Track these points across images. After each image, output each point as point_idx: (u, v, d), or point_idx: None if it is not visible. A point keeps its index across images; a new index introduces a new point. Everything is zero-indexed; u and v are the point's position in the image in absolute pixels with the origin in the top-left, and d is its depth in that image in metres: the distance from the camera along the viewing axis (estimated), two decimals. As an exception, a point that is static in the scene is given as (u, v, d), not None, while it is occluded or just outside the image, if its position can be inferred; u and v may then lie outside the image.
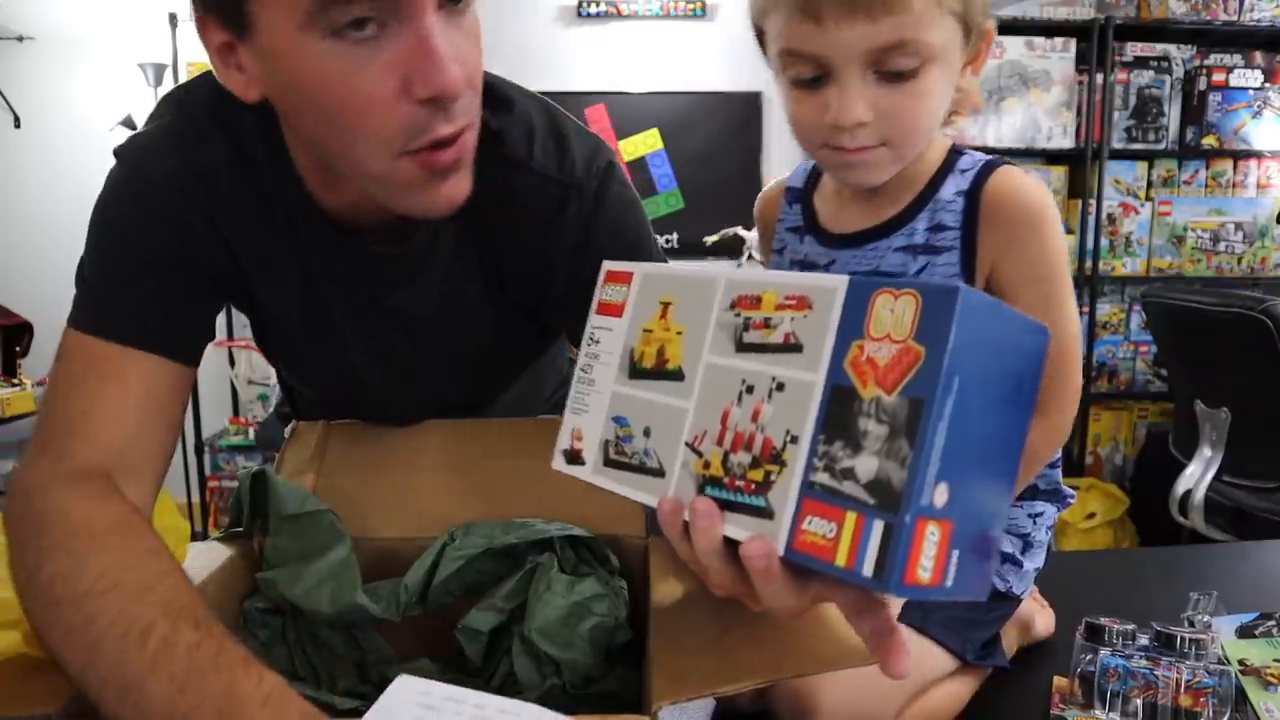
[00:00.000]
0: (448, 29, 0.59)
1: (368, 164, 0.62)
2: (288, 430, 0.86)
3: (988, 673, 0.88)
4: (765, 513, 0.43)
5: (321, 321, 0.79)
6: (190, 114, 0.71)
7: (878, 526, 0.39)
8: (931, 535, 0.39)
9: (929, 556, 0.39)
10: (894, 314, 0.40)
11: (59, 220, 3.29)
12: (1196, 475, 2.19)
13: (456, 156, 0.63)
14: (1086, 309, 3.15)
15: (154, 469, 0.69)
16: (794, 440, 0.42)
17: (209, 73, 0.72)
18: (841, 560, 0.39)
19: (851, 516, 0.39)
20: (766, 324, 0.45)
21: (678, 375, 0.49)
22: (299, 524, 0.68)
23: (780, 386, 0.44)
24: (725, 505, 0.45)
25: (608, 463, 0.52)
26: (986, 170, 0.76)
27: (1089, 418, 3.19)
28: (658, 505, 0.48)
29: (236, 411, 3.37)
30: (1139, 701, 0.78)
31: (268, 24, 0.57)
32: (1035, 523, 0.92)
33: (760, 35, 0.76)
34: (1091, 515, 2.90)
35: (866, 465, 0.39)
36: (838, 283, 0.43)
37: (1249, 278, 3.19)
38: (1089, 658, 0.84)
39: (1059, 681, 0.86)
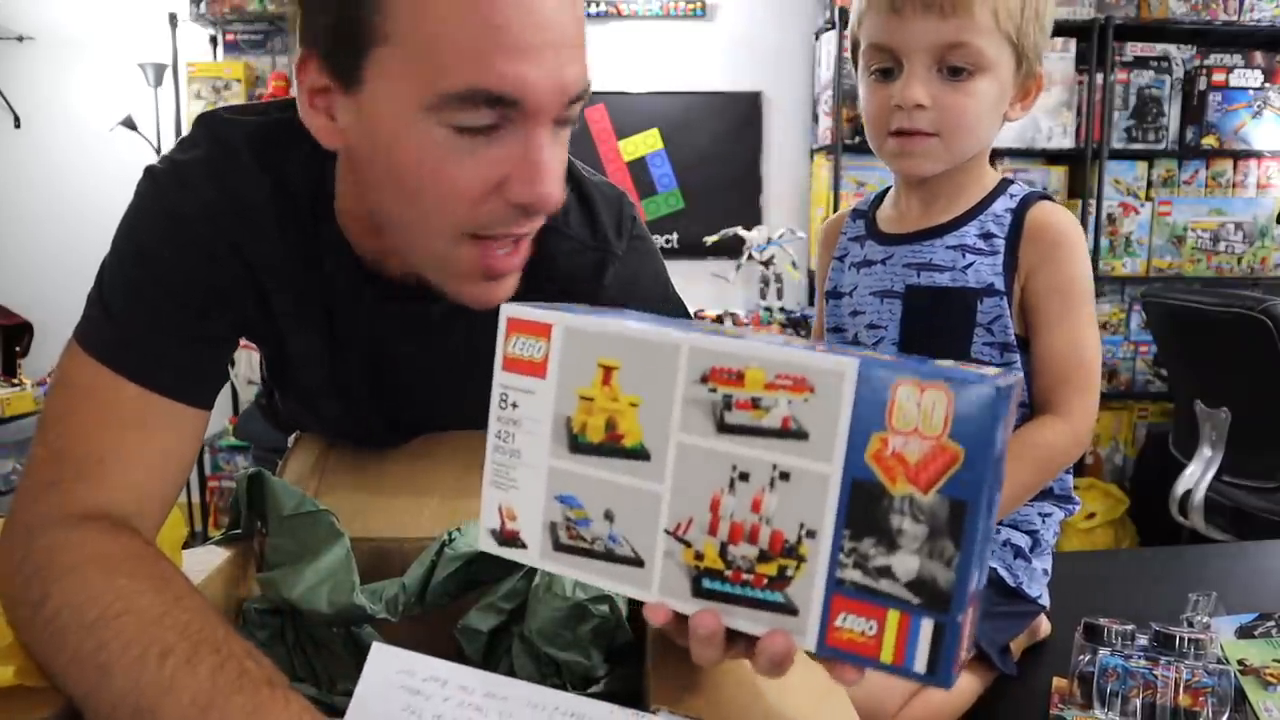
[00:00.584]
0: (554, 143, 0.60)
1: (429, 242, 0.63)
2: (290, 439, 0.86)
3: (994, 675, 0.88)
4: (786, 609, 0.42)
5: (338, 364, 0.78)
6: (229, 147, 0.70)
7: (926, 625, 0.38)
8: (969, 618, 0.40)
9: (967, 637, 0.40)
10: (921, 408, 0.39)
11: (59, 220, 3.29)
12: (1196, 475, 2.19)
13: (514, 264, 0.65)
14: (1086, 309, 3.15)
15: (163, 512, 0.68)
16: (811, 535, 0.41)
17: (248, 105, 0.73)
18: (888, 658, 0.39)
19: (894, 615, 0.39)
20: (755, 404, 0.42)
21: (640, 454, 0.45)
22: (297, 524, 0.68)
23: (785, 476, 0.42)
24: (731, 599, 0.43)
25: (560, 547, 0.48)
26: (1033, 197, 0.90)
27: (1089, 418, 3.18)
28: (647, 611, 0.46)
29: (236, 411, 3.37)
30: (1138, 701, 0.78)
31: (382, 90, 0.57)
32: (1044, 522, 0.94)
33: (855, 48, 0.92)
34: (1091, 515, 2.90)
35: (906, 564, 0.39)
36: (844, 366, 0.40)
37: (1249, 278, 3.19)
38: (1088, 658, 0.84)
39: (1058, 682, 0.86)
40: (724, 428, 0.43)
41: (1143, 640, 0.86)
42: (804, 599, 0.41)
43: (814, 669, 0.46)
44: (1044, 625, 0.97)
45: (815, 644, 0.41)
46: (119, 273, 0.69)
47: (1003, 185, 0.92)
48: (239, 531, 0.74)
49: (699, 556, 0.44)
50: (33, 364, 2.78)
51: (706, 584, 0.44)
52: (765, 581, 0.42)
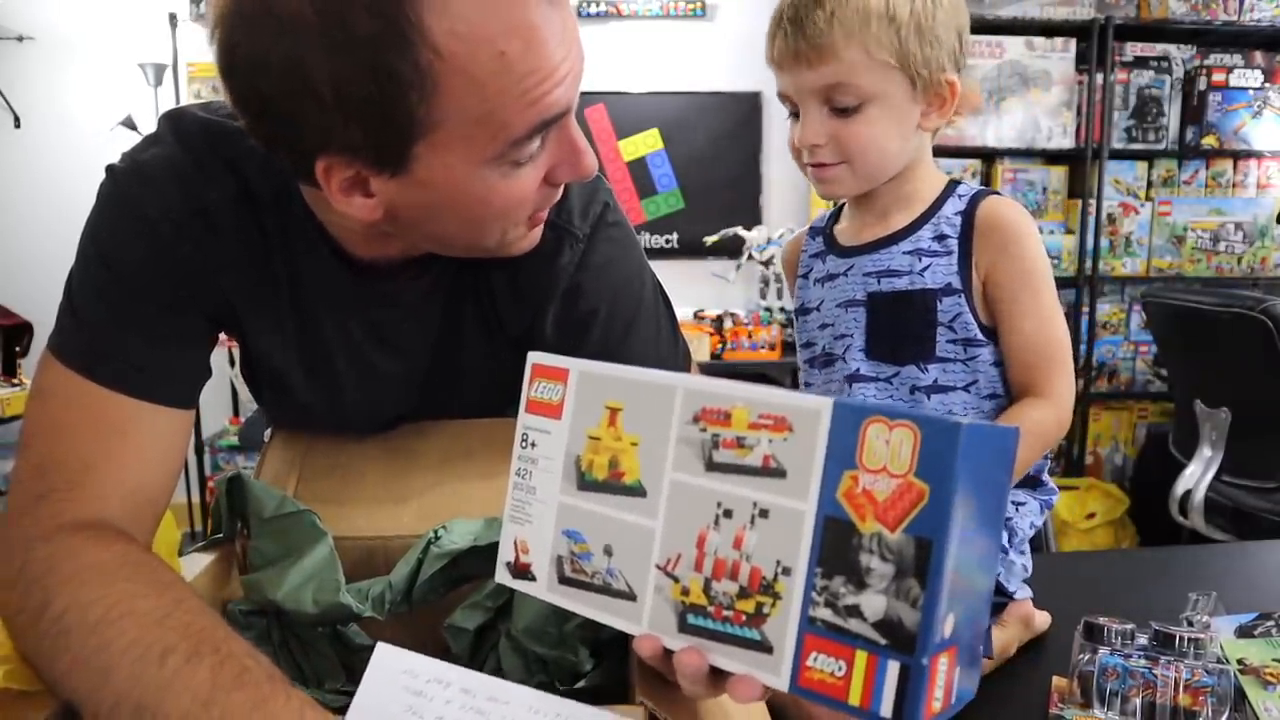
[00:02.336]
0: (574, 122, 0.65)
1: (489, 240, 0.67)
2: (266, 434, 0.86)
3: (985, 660, 0.88)
4: (761, 646, 0.42)
5: (314, 353, 0.78)
6: (190, 144, 0.69)
7: (893, 668, 0.38)
8: (942, 666, 0.39)
9: (940, 687, 0.39)
10: (890, 445, 0.39)
11: (59, 220, 3.28)
12: (1196, 475, 2.19)
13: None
14: (1086, 309, 3.15)
15: (156, 514, 0.68)
16: (786, 572, 0.42)
17: (212, 103, 0.73)
18: (855, 700, 0.39)
19: (862, 656, 0.39)
20: (740, 443, 0.44)
21: (637, 491, 0.47)
22: (279, 525, 0.67)
23: (764, 513, 0.43)
24: (713, 635, 0.44)
25: (564, 580, 0.50)
26: (980, 196, 0.94)
27: (1089, 418, 3.18)
28: (637, 644, 0.47)
29: (236, 411, 3.37)
30: (1138, 701, 0.78)
31: (439, 163, 0.59)
32: (1019, 512, 0.94)
33: None
34: (1091, 515, 2.90)
35: (873, 604, 0.39)
36: (820, 405, 0.42)
37: (1249, 278, 3.19)
38: (1088, 657, 0.83)
39: (1058, 681, 0.86)
40: (712, 466, 0.45)
41: (1143, 640, 0.86)
42: (778, 637, 0.42)
43: None
44: (1039, 617, 0.97)
45: (788, 683, 0.41)
46: (86, 278, 0.68)
47: (950, 187, 0.96)
48: (220, 536, 0.74)
49: (685, 592, 0.45)
50: (33, 364, 2.78)
51: (691, 620, 0.45)
52: (744, 618, 0.43)
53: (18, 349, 2.82)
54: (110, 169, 0.70)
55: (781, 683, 0.41)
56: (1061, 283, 2.98)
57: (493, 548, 0.65)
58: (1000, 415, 0.91)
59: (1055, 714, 0.80)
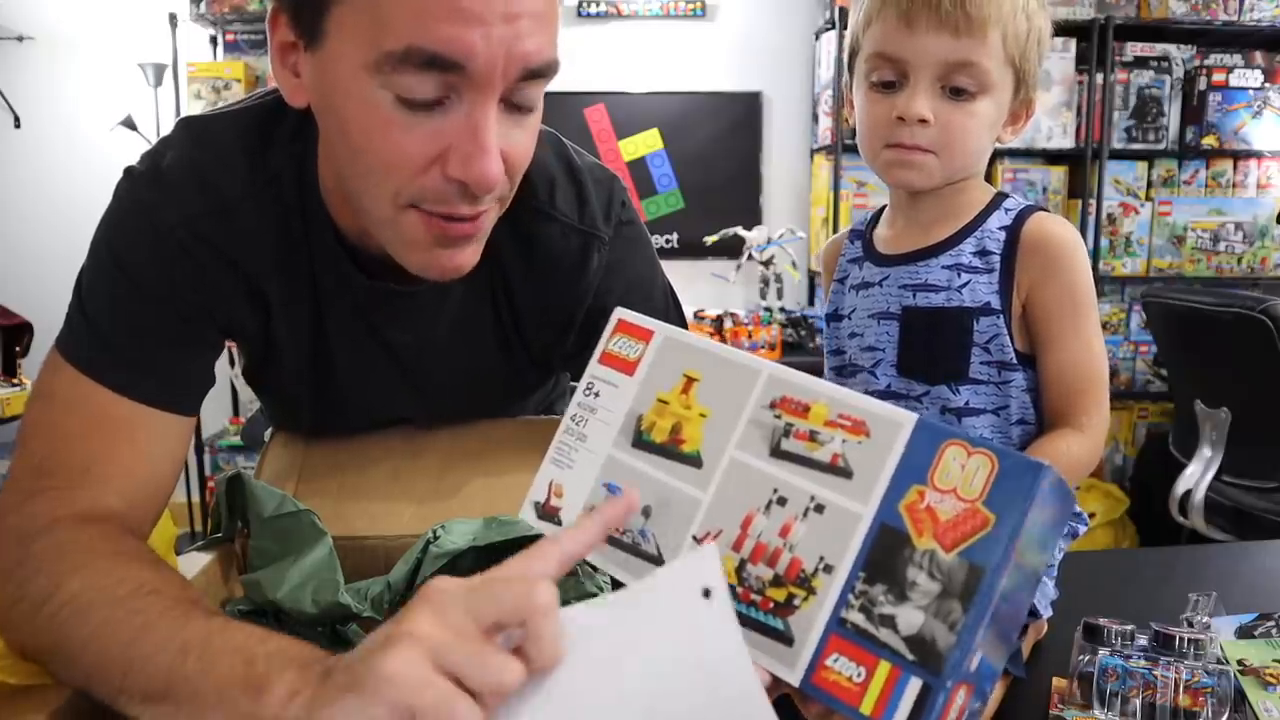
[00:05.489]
0: (504, 122, 0.58)
1: (375, 209, 0.61)
2: (266, 434, 0.86)
3: (1010, 680, 0.88)
4: (783, 637, 0.42)
5: (322, 349, 0.78)
6: (208, 142, 0.69)
7: (914, 684, 0.38)
8: (959, 698, 0.39)
9: (954, 715, 0.39)
10: (964, 470, 0.40)
11: (59, 221, 3.29)
12: (1196, 475, 2.19)
13: (470, 232, 0.62)
14: (1087, 309, 3.15)
15: (153, 517, 0.68)
16: (827, 569, 0.41)
17: (216, 108, 0.73)
18: (867, 709, 0.39)
19: (885, 666, 0.39)
20: (813, 437, 0.44)
21: (694, 460, 0.47)
22: (279, 525, 0.67)
23: (820, 508, 0.43)
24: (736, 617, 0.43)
25: None
26: (1028, 211, 0.88)
27: (1089, 418, 3.18)
28: None
29: (236, 411, 3.37)
30: (1138, 701, 0.78)
31: (338, 48, 0.56)
32: None
33: (853, 55, 0.91)
34: (1091, 515, 2.90)
35: (910, 618, 0.39)
36: (904, 419, 0.42)
37: (1249, 278, 3.19)
38: (1088, 658, 0.83)
39: (1058, 682, 0.86)
40: (777, 452, 0.45)
41: (1143, 640, 0.86)
42: (803, 631, 0.42)
43: None
44: (1042, 625, 0.97)
45: (800, 679, 0.41)
46: (98, 280, 0.68)
47: (997, 200, 0.91)
48: (220, 535, 0.74)
49: None
50: (33, 364, 2.77)
51: None
52: (771, 606, 0.43)
53: (18, 349, 2.81)
54: (128, 171, 0.69)
55: (794, 676, 0.41)
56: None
57: (492, 548, 0.66)
58: (1032, 443, 0.87)
59: (1055, 715, 0.80)
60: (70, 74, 3.31)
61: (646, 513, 0.48)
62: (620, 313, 0.53)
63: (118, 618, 0.52)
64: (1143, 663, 0.81)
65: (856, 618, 0.40)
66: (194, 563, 0.70)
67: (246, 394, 3.30)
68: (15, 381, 2.69)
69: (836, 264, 1.01)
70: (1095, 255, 3.11)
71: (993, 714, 0.85)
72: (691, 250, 3.35)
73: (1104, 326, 3.23)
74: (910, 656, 0.38)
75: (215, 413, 3.31)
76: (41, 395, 0.66)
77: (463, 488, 0.77)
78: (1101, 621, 0.87)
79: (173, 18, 3.13)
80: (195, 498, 3.19)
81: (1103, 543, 2.88)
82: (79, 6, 3.28)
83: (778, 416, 0.45)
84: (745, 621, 0.43)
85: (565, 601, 0.61)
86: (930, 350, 0.89)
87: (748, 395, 0.47)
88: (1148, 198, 3.21)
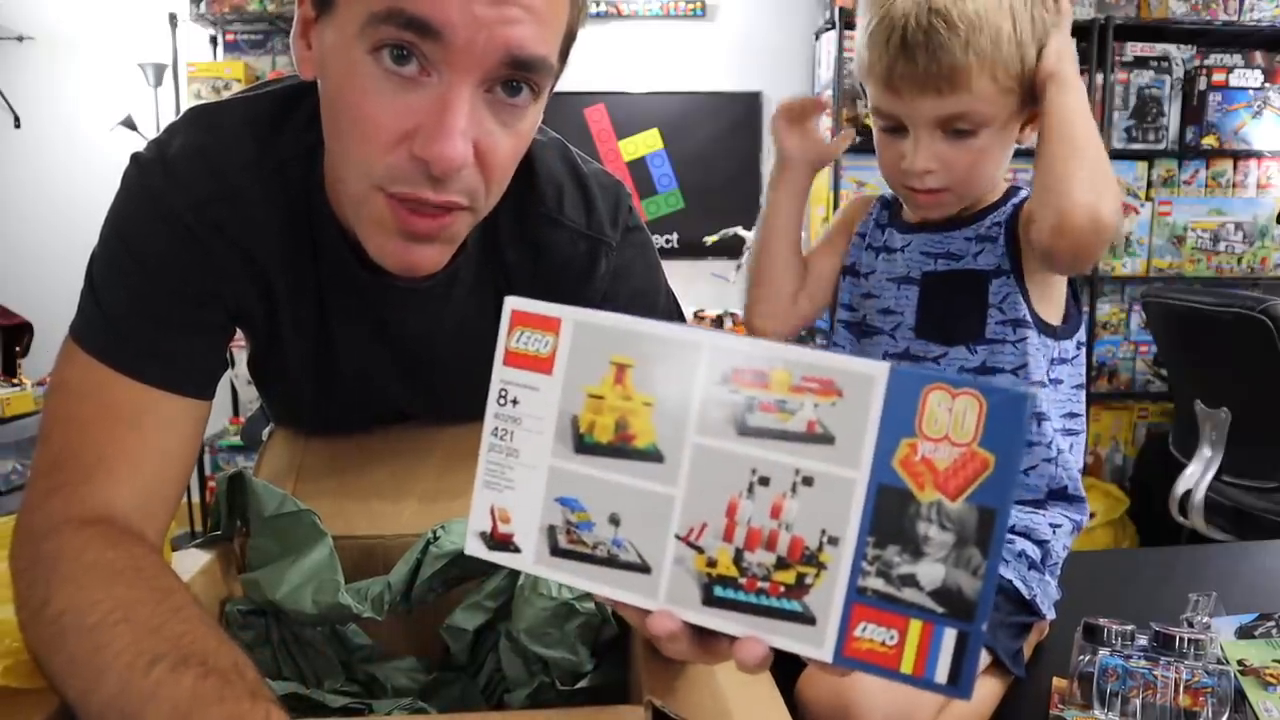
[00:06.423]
0: (481, 111, 0.58)
1: (349, 186, 0.62)
2: (265, 433, 0.86)
3: (1011, 679, 0.88)
4: (803, 618, 0.41)
5: (325, 345, 0.77)
6: (217, 129, 0.69)
7: (949, 635, 0.38)
8: (985, 635, 0.39)
9: (984, 653, 0.39)
10: (952, 414, 0.38)
11: (59, 221, 3.29)
12: (1196, 475, 2.19)
13: (433, 230, 0.61)
14: (1086, 309, 3.15)
15: (168, 511, 0.67)
16: (833, 542, 0.40)
17: (244, 93, 0.73)
18: (908, 668, 0.39)
19: (916, 625, 0.39)
20: (780, 407, 0.41)
21: (652, 455, 0.43)
22: (279, 525, 0.67)
23: (808, 481, 0.41)
24: (745, 608, 0.42)
25: (557, 552, 0.45)
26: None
27: (1089, 418, 3.18)
28: (652, 621, 0.43)
29: (237, 411, 3.37)
30: (1138, 701, 0.78)
31: (340, 15, 0.58)
32: (1055, 534, 0.94)
33: (863, 86, 0.94)
34: (1091, 515, 2.90)
35: (931, 573, 0.38)
36: (875, 371, 0.40)
37: (1249, 278, 3.19)
38: (1088, 658, 0.83)
39: (1058, 682, 0.86)
40: (746, 430, 0.42)
41: (1143, 640, 0.86)
42: (823, 608, 0.40)
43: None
44: (1044, 626, 0.97)
45: (832, 654, 0.40)
46: (109, 265, 0.68)
47: (1013, 192, 0.96)
48: (219, 533, 0.74)
49: (711, 563, 0.42)
50: (33, 364, 2.77)
51: (719, 592, 0.42)
52: (782, 590, 0.41)
53: (18, 349, 2.81)
54: (135, 157, 0.69)
55: (826, 654, 0.40)
56: (1061, 283, 2.98)
57: (492, 548, 0.65)
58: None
59: (1055, 715, 0.80)
60: (70, 74, 3.31)
61: (615, 520, 0.44)
62: (512, 301, 0.47)
63: (82, 654, 0.52)
64: (1143, 663, 0.81)
65: (875, 583, 0.39)
66: (191, 560, 0.70)
67: (246, 394, 3.31)
68: (15, 381, 2.69)
69: (858, 220, 1.04)
70: (1095, 255, 3.11)
71: (992, 714, 0.85)
72: (691, 250, 3.35)
73: (1104, 327, 3.24)
74: (940, 609, 0.38)
75: (215, 413, 3.26)
76: (56, 388, 0.66)
77: (463, 488, 0.76)
78: (1101, 621, 0.87)
79: (173, 18, 3.13)
80: (195, 497, 3.19)
81: (1103, 543, 2.88)
82: (79, 6, 3.28)
83: (735, 392, 0.42)
84: (760, 610, 0.42)
85: (563, 604, 0.61)
86: (949, 312, 0.93)
87: (693, 374, 0.42)
88: (1148, 198, 3.21)
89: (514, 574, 0.65)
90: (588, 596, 0.61)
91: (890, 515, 0.39)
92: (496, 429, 0.47)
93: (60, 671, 0.53)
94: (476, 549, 0.47)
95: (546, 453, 0.45)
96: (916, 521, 0.39)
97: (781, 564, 0.41)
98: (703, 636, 0.44)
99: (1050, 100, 0.85)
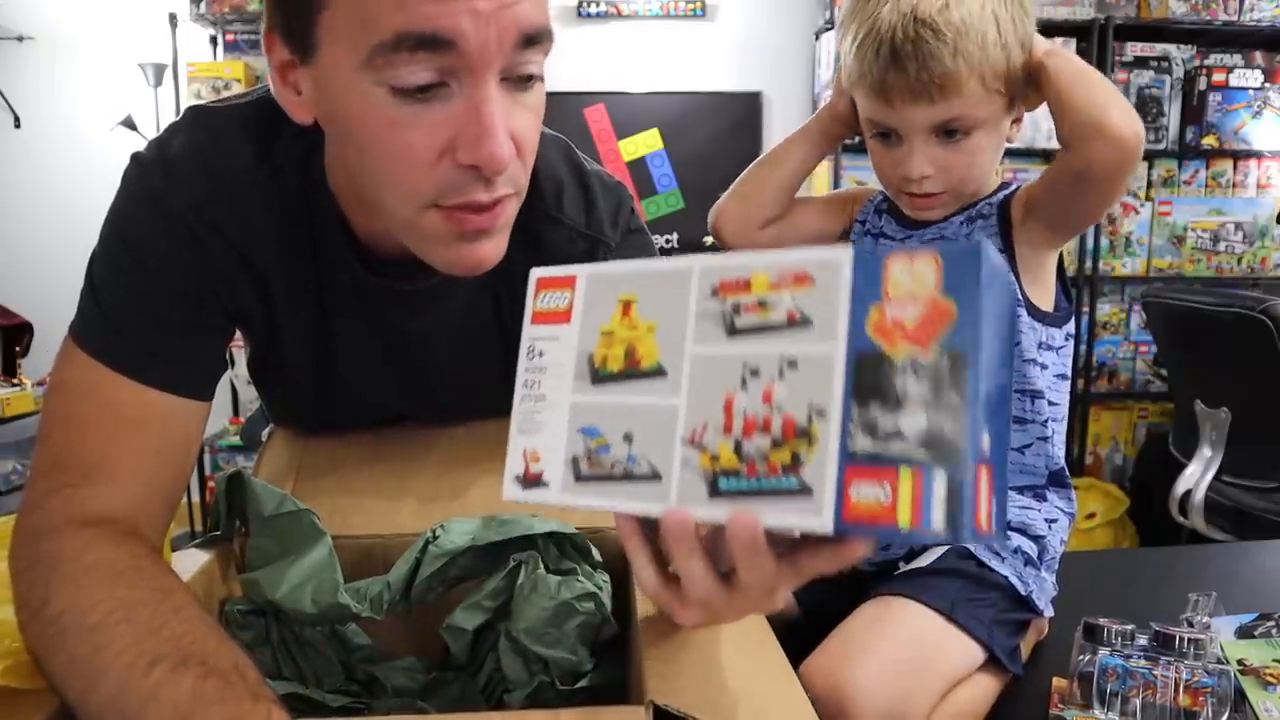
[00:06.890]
0: (506, 100, 0.58)
1: (396, 211, 0.61)
2: (265, 433, 0.86)
3: (1009, 677, 0.88)
4: (801, 492, 0.42)
5: (325, 345, 0.77)
6: (216, 132, 0.69)
7: (940, 478, 0.38)
8: (984, 482, 0.40)
9: (984, 502, 0.40)
10: (914, 275, 0.40)
11: (59, 221, 3.29)
12: (1196, 475, 2.19)
13: (490, 224, 0.62)
14: (1086, 309, 3.15)
15: (168, 511, 0.67)
16: (820, 414, 0.41)
17: (234, 95, 0.72)
18: (905, 521, 0.39)
19: (907, 474, 0.39)
20: (762, 305, 0.44)
21: (657, 373, 0.47)
22: (279, 524, 0.67)
23: (792, 364, 0.43)
24: (748, 493, 0.43)
25: (580, 478, 0.48)
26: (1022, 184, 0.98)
27: (1089, 418, 3.18)
28: (665, 522, 0.45)
29: (236, 411, 3.37)
30: (1138, 701, 0.78)
31: (329, 56, 0.56)
32: (1051, 529, 0.94)
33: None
34: (1091, 515, 2.90)
35: (914, 423, 0.39)
36: (842, 254, 0.42)
37: (1249, 278, 3.19)
38: (1088, 658, 0.83)
39: (1058, 682, 0.86)
40: (734, 332, 0.45)
41: (1143, 640, 0.86)
42: (818, 478, 0.41)
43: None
44: (1043, 625, 0.97)
45: (832, 522, 0.41)
46: (109, 267, 0.68)
47: (1005, 185, 1.00)
48: (219, 533, 0.73)
49: (714, 459, 0.44)
50: (33, 364, 2.78)
51: (723, 484, 0.44)
52: (779, 469, 0.42)
53: (18, 349, 2.81)
54: (135, 157, 0.69)
55: (826, 523, 0.41)
56: (1061, 283, 2.98)
57: (491, 547, 0.66)
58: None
59: (1055, 714, 0.80)
60: (70, 74, 3.31)
61: (629, 438, 0.47)
62: (537, 272, 0.52)
63: (82, 654, 0.52)
64: (1143, 663, 0.81)
65: (864, 443, 0.40)
66: (190, 560, 0.70)
67: (246, 394, 3.31)
68: (15, 381, 2.69)
69: (860, 205, 1.07)
70: (1095, 255, 3.11)
71: (993, 713, 0.85)
72: (691, 250, 3.34)
73: (1104, 327, 3.24)
74: (926, 455, 0.39)
75: (215, 413, 3.28)
76: (56, 387, 0.66)
77: (462, 487, 0.77)
78: (1101, 621, 0.87)
79: (173, 18, 3.13)
80: (195, 497, 3.19)
81: (1103, 543, 2.88)
82: (79, 6, 3.28)
83: (722, 301, 0.45)
84: (760, 493, 0.43)
85: (563, 604, 0.62)
86: None
87: (687, 294, 0.46)
88: (1148, 197, 3.21)
89: (513, 573, 0.65)
90: (587, 597, 0.61)
91: (870, 378, 0.41)
92: (526, 380, 0.51)
93: (60, 672, 0.53)
94: (513, 492, 0.51)
95: (568, 390, 0.50)
96: (894, 378, 0.40)
97: (776, 444, 0.43)
98: (713, 542, 0.46)
99: (1053, 69, 0.87)
